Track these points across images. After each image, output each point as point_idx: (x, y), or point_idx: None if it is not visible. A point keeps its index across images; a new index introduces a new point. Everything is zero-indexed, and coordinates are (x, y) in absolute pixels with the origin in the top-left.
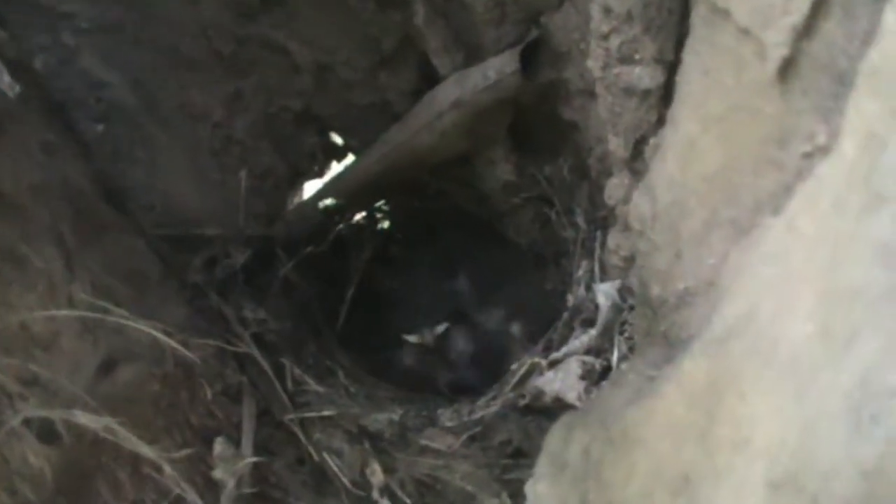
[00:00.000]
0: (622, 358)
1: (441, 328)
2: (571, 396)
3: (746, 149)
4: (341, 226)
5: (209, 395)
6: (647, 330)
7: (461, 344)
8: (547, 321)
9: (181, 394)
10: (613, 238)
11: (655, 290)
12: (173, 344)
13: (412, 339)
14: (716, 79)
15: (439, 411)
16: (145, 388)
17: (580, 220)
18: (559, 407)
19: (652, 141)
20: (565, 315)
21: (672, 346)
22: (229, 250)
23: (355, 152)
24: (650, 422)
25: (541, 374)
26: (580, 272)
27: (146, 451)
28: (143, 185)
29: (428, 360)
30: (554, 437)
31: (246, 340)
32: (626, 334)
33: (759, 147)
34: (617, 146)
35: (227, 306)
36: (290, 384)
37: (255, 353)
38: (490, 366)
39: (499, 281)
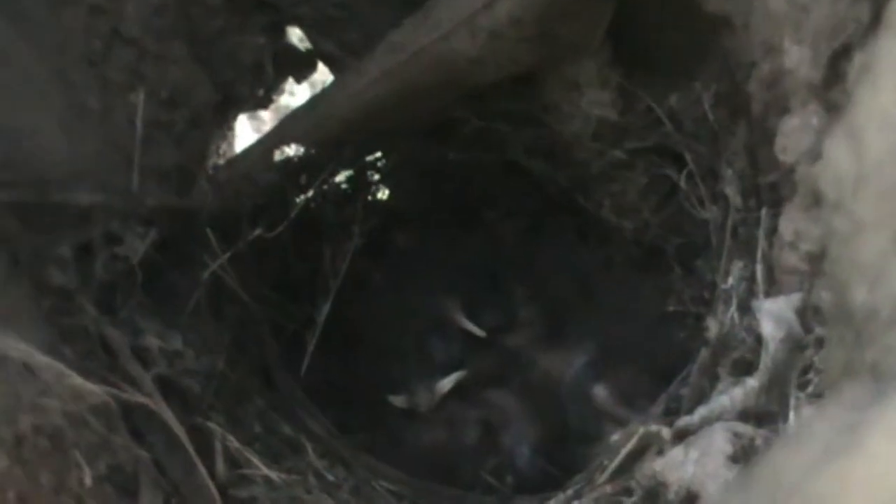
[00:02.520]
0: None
1: (447, 382)
2: (714, 489)
3: None
4: (310, 194)
5: (87, 480)
6: (846, 363)
7: (516, 406)
8: (667, 367)
9: (41, 477)
10: (790, 221)
11: (859, 297)
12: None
13: (397, 401)
14: None
15: None
16: None
17: (731, 191)
18: None
19: (858, 57)
20: (703, 354)
21: (883, 380)
22: (118, 231)
23: (335, 65)
24: (847, 494)
25: (661, 452)
26: (730, 281)
27: None
28: None
29: (461, 433)
30: None
31: (146, 388)
32: (811, 387)
33: None
34: (800, 62)
35: (115, 328)
36: (220, 466)
37: (164, 410)
38: (565, 443)
39: (582, 296)
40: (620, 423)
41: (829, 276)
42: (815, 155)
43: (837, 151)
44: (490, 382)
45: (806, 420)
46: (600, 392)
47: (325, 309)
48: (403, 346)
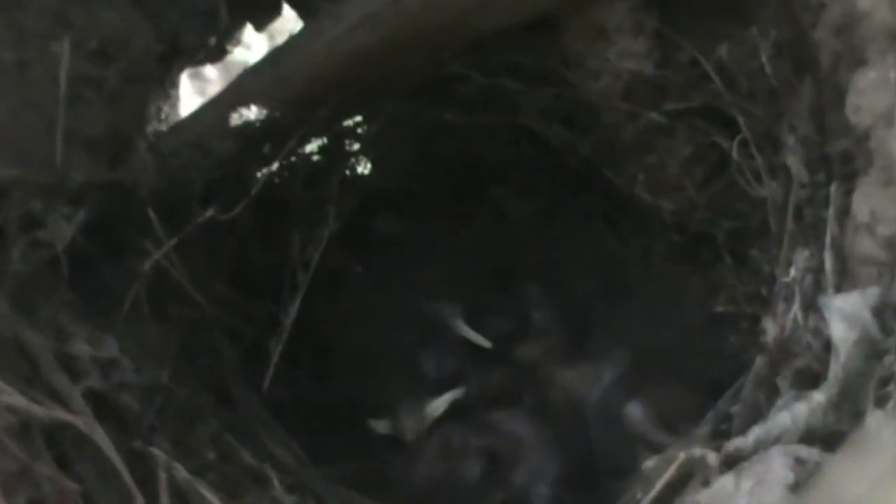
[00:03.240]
0: None
1: (440, 404)
2: None
3: None
4: (275, 167)
5: None
6: None
7: (531, 433)
8: (717, 381)
9: None
10: (866, 198)
11: None
12: None
13: (379, 426)
14: None
15: None
16: None
17: (794, 162)
18: None
19: None
20: (759, 362)
21: None
22: (38, 213)
23: (305, 9)
24: None
25: (707, 483)
26: (793, 273)
27: None
28: None
29: (461, 465)
30: None
31: (75, 405)
32: (892, 402)
33: None
34: (877, 3)
35: (36, 331)
36: (166, 501)
37: (96, 432)
38: (592, 478)
39: (611, 296)
40: (658, 450)
41: None
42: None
43: None
44: (497, 403)
45: (873, 427)
46: (635, 412)
47: (294, 310)
48: (388, 359)
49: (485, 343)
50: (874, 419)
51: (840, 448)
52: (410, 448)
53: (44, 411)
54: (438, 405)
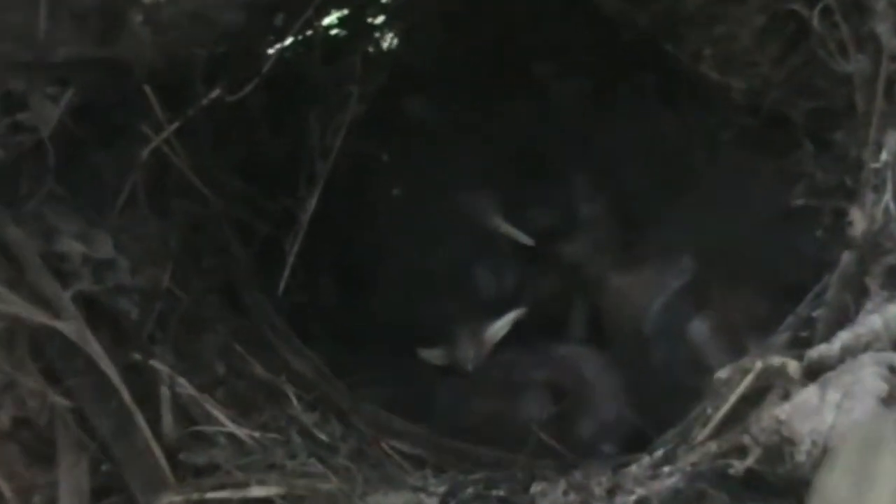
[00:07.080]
0: None
1: (501, 326)
2: None
3: None
4: (289, 41)
5: None
6: None
7: (594, 371)
8: (796, 285)
9: None
10: None
11: None
12: None
13: (429, 355)
14: None
15: (536, 488)
16: None
17: (884, 29)
18: None
19: None
20: (846, 260)
21: None
22: (20, 92)
23: None
24: None
25: (787, 395)
26: (884, 157)
27: None
28: None
29: (519, 399)
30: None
31: (64, 311)
32: None
33: None
34: None
35: (20, 227)
36: (168, 420)
37: (89, 341)
38: (653, 405)
39: (671, 188)
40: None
41: None
42: None
43: None
44: (548, 317)
45: None
46: (700, 329)
47: (312, 204)
48: (432, 271)
49: (527, 240)
50: None
51: None
52: (459, 377)
53: (29, 317)
54: (498, 329)
